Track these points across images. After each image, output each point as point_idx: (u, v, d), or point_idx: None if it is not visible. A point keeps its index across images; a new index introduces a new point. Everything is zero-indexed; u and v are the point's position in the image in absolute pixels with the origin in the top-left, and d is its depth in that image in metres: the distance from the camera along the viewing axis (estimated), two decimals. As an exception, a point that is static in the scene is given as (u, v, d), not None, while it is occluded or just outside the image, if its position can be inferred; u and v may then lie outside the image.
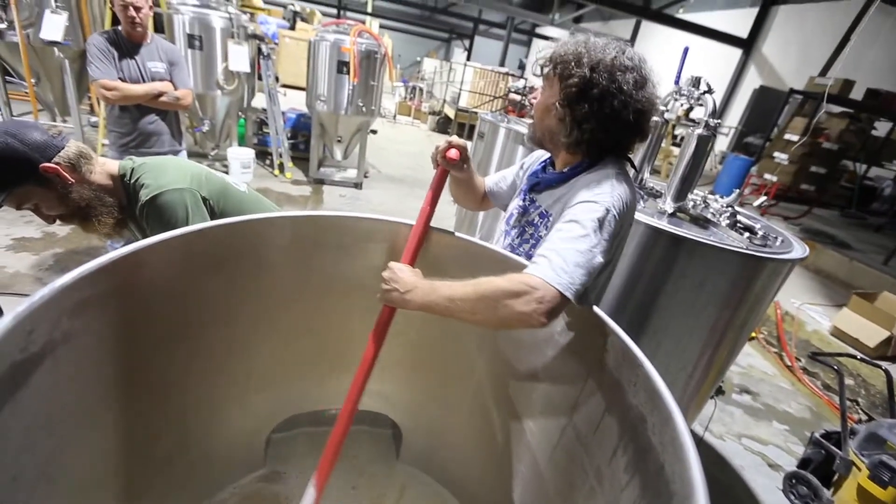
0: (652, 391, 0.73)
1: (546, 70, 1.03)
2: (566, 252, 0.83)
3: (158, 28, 3.89)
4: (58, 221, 1.17)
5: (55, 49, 4.22)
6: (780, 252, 1.62)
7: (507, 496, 1.16)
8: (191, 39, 4.07)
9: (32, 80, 4.42)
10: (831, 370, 2.33)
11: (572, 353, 0.95)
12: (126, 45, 2.32)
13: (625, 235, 1.02)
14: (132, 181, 1.22)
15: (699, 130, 1.68)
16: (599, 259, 0.86)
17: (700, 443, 2.37)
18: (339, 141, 5.21)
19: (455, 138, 1.12)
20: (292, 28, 9.30)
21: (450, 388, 1.27)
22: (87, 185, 1.14)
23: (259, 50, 4.58)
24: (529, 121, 1.15)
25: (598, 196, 0.92)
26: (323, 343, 1.27)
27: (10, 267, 2.77)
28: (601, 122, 0.96)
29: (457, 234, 1.13)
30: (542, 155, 1.25)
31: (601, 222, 0.88)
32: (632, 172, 1.10)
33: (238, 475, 1.28)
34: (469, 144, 1.40)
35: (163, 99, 2.38)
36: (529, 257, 1.09)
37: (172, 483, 1.09)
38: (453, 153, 1.09)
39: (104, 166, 1.21)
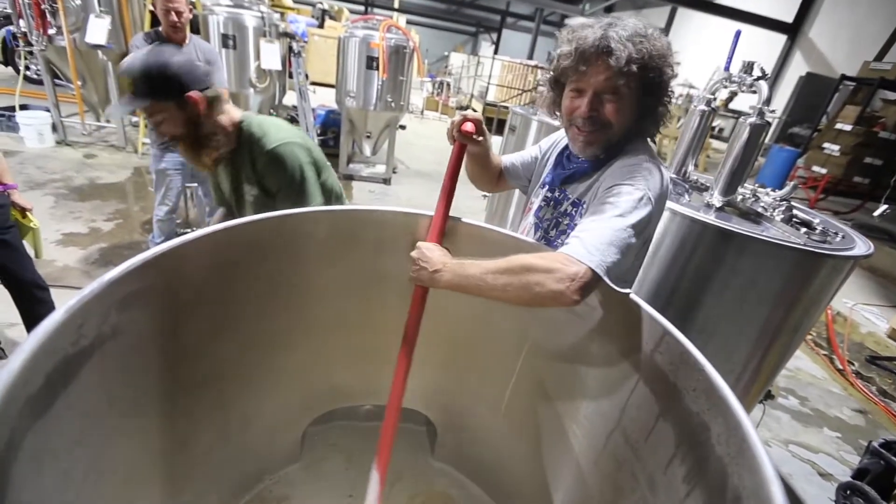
0: (716, 398, 0.68)
1: (629, 69, 0.89)
2: (599, 231, 0.83)
3: (194, 29, 4.00)
4: (169, 141, 1.29)
5: (99, 52, 4.41)
6: (842, 249, 1.50)
7: (546, 500, 1.12)
8: (225, 39, 4.16)
9: (79, 83, 4.63)
10: (889, 374, 2.17)
11: (619, 352, 0.90)
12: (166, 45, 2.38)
13: (657, 220, 0.97)
14: (250, 131, 1.33)
15: (752, 119, 1.57)
16: (633, 240, 0.85)
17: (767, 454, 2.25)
18: (368, 136, 5.24)
19: (469, 112, 1.08)
20: (321, 26, 9.41)
21: (486, 385, 1.23)
22: (212, 121, 1.27)
23: (290, 48, 4.64)
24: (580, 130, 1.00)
25: (634, 180, 0.91)
26: (360, 338, 1.26)
27: (59, 261, 2.90)
28: (658, 107, 0.96)
29: (487, 225, 1.10)
30: (558, 139, 1.20)
31: (637, 204, 0.87)
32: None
33: (276, 467, 1.29)
34: (498, 139, 1.37)
35: None
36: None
37: (212, 475, 1.10)
38: (469, 126, 1.06)
39: (229, 113, 1.32)
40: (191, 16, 2.41)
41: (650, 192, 0.90)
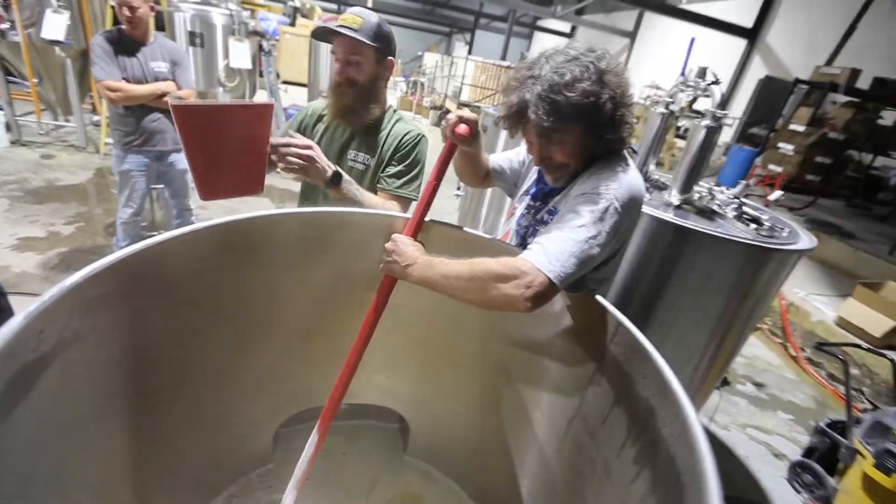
0: (662, 384, 0.73)
1: (552, 124, 0.92)
2: (561, 241, 0.85)
3: (159, 26, 3.88)
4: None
5: (56, 48, 4.22)
6: (787, 243, 1.61)
7: (514, 488, 1.17)
8: (192, 37, 4.06)
9: (34, 80, 4.42)
10: (836, 360, 2.33)
11: (580, 344, 0.95)
12: (129, 44, 2.31)
13: (632, 226, 1.02)
14: (391, 112, 1.48)
15: (706, 122, 1.67)
16: (595, 251, 0.87)
17: (705, 433, 2.37)
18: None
19: (465, 112, 1.08)
20: (292, 24, 9.25)
21: (457, 382, 1.27)
22: (383, 88, 1.42)
23: (260, 46, 4.56)
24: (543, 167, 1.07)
25: (602, 188, 0.92)
26: (331, 340, 1.27)
27: (16, 266, 2.78)
28: (614, 128, 0.96)
29: (465, 228, 1.13)
30: None
31: (602, 214, 0.89)
32: (633, 159, 1.09)
33: (247, 469, 1.30)
34: (493, 157, 1.39)
35: (166, 99, 2.39)
36: None
37: (183, 478, 1.10)
38: (462, 129, 1.05)
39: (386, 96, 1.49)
40: (152, 12, 2.35)
41: (616, 202, 0.90)
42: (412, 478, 1.38)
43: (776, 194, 2.52)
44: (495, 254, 0.87)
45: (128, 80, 2.30)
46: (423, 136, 1.46)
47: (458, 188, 4.73)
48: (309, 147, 1.20)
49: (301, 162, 1.18)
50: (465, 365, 1.24)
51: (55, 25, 3.93)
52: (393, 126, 1.44)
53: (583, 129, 0.95)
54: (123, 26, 2.30)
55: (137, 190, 2.56)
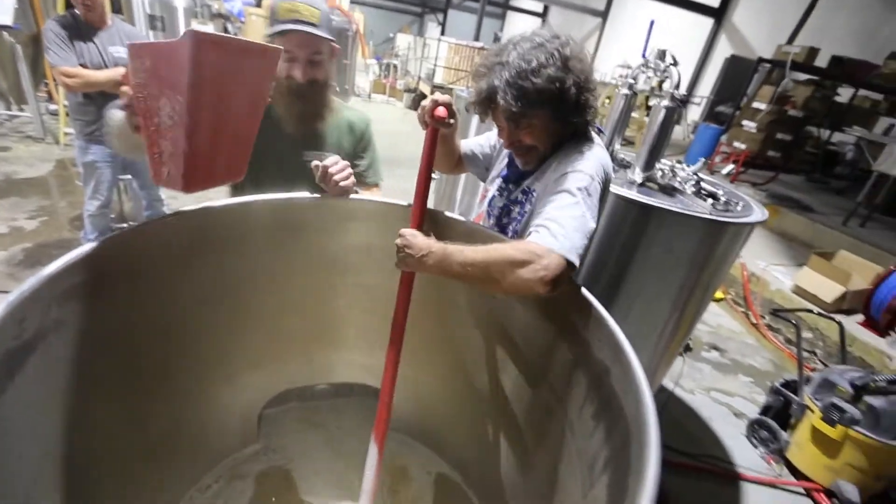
0: (615, 346, 0.80)
1: (520, 109, 0.98)
2: (563, 219, 0.89)
3: (116, 9, 3.71)
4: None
5: (4, 33, 4.00)
6: (741, 216, 1.72)
7: (490, 454, 1.25)
8: (152, 20, 3.91)
9: (-18, 67, 4.19)
10: (791, 325, 2.50)
11: (544, 317, 1.02)
12: (85, 29, 2.23)
13: (605, 199, 1.08)
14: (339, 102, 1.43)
15: (665, 102, 1.74)
16: (592, 224, 0.93)
17: (671, 397, 2.53)
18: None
19: (439, 95, 1.09)
20: (258, 5, 8.91)
21: (433, 357, 1.33)
22: (333, 68, 1.32)
23: (225, 29, 4.42)
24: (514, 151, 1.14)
25: (581, 165, 0.99)
26: (310, 321, 1.31)
27: (-22, 264, 2.70)
28: (579, 111, 1.02)
29: (447, 213, 1.16)
30: None
31: (588, 189, 0.95)
32: (599, 138, 1.15)
33: (233, 450, 1.33)
34: (465, 142, 1.41)
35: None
36: (516, 232, 1.15)
37: (169, 460, 1.13)
38: (441, 111, 1.05)
39: None
40: (108, -5, 2.27)
41: (596, 177, 0.98)
42: (396, 450, 1.44)
43: (728, 167, 2.64)
44: (485, 239, 0.91)
45: (85, 67, 2.22)
46: (369, 118, 1.47)
47: (433, 172, 4.72)
48: (347, 165, 1.20)
49: (351, 181, 1.18)
50: (441, 343, 1.30)
51: (1, 9, 3.71)
52: (346, 115, 1.41)
53: (549, 113, 1.00)
54: (77, 10, 2.21)
55: (104, 181, 2.50)
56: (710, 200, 1.80)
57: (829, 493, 2.13)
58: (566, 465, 0.89)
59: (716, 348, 3.21)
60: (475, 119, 3.06)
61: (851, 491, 2.05)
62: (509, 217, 1.19)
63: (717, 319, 3.58)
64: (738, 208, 1.81)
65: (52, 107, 5.30)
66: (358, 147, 1.42)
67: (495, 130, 1.32)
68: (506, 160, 1.26)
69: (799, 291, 3.62)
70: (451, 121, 1.07)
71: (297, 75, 1.18)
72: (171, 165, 0.77)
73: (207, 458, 1.28)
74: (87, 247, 0.80)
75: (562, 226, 0.88)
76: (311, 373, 1.41)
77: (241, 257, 1.11)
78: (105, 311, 0.85)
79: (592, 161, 1.00)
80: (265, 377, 1.34)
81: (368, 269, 1.23)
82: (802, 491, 2.18)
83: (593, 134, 1.11)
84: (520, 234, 1.14)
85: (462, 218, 1.15)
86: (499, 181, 1.25)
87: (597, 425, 0.82)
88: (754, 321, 3.56)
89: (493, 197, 1.25)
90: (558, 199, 0.94)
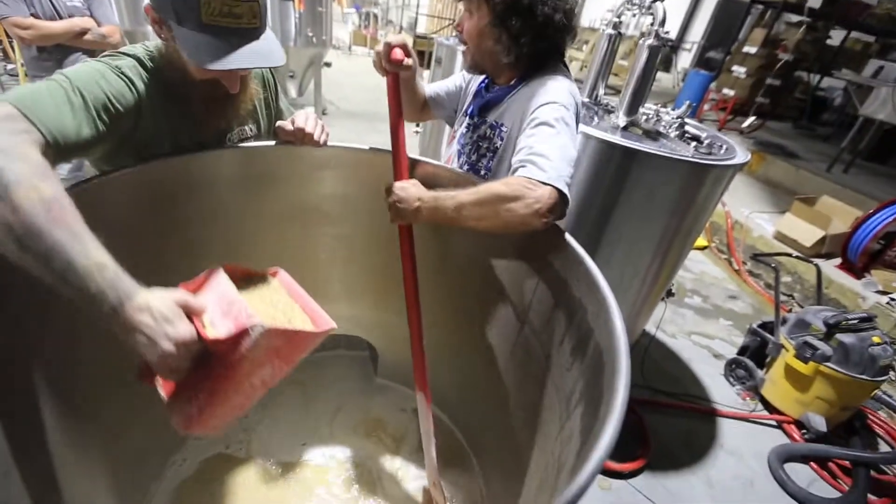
0: (591, 283, 0.81)
1: None
2: (547, 151, 0.89)
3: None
4: None
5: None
6: (724, 159, 1.70)
7: (473, 394, 1.29)
8: (104, -35, 3.59)
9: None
10: (772, 269, 2.56)
11: (524, 259, 1.02)
12: (32, -25, 2.05)
13: (578, 124, 1.06)
14: None
15: (649, 41, 1.67)
16: (574, 152, 0.92)
17: (652, 341, 2.61)
18: (291, 76, 4.90)
19: (392, 37, 1.06)
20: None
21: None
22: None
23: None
24: (461, 47, 1.12)
25: (552, 96, 0.97)
26: (298, 273, 1.29)
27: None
28: (537, 31, 0.99)
29: (431, 161, 1.13)
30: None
31: (564, 119, 0.95)
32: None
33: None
34: (427, 73, 1.36)
35: (87, 37, 2.17)
36: (489, 170, 1.13)
37: (154, 422, 1.13)
38: (398, 53, 1.01)
39: None
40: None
41: (569, 106, 0.97)
42: (384, 396, 1.49)
43: (750, 120, 2.57)
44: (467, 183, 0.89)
45: (37, 17, 2.07)
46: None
47: (417, 125, 4.61)
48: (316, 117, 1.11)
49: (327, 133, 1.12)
50: (424, 290, 1.30)
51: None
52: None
53: (490, 13, 0.98)
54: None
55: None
56: (693, 144, 1.78)
57: (799, 425, 2.27)
58: (546, 400, 0.92)
59: (698, 294, 3.29)
60: (458, 65, 2.94)
61: (819, 421, 2.18)
62: (478, 154, 1.17)
63: (700, 267, 3.66)
64: (722, 151, 1.80)
65: (10, 66, 4.97)
66: (277, 98, 1.26)
67: (461, 72, 1.28)
68: (471, 95, 1.22)
69: (780, 237, 3.68)
70: (409, 61, 1.04)
71: (230, 86, 0.94)
72: (192, 408, 0.67)
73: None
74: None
75: (547, 157, 0.88)
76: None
77: (213, 208, 1.08)
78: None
79: (563, 91, 0.99)
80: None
81: (346, 220, 1.21)
82: (774, 423, 2.31)
83: (563, 67, 1.09)
84: (493, 172, 1.13)
85: (447, 165, 1.13)
86: (466, 119, 1.22)
87: (573, 360, 0.84)
88: (736, 268, 3.64)
89: (461, 135, 1.22)
90: (538, 133, 0.93)
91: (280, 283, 0.82)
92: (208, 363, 0.64)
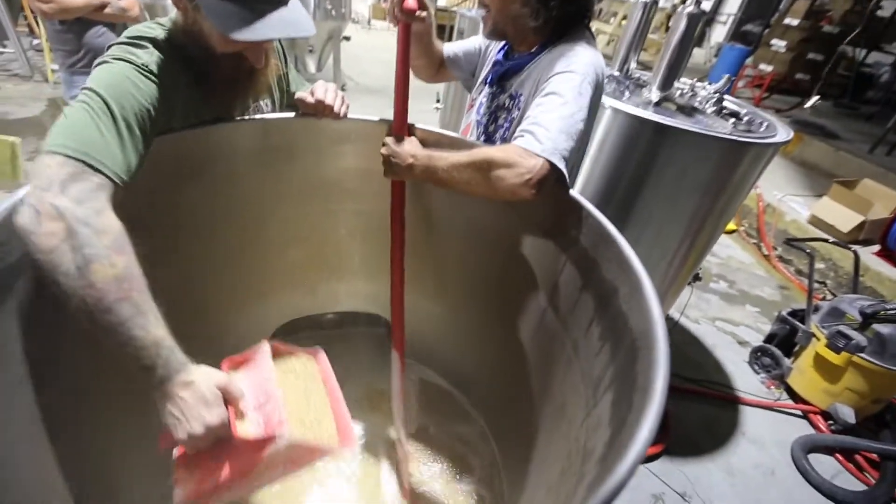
0: (624, 263, 0.76)
1: None
2: (549, 122, 0.86)
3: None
4: None
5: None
6: (764, 137, 1.60)
7: (493, 375, 1.27)
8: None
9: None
10: (804, 255, 2.45)
11: (551, 238, 0.98)
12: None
13: (597, 104, 1.01)
14: None
15: (689, 9, 1.56)
16: (580, 125, 0.88)
17: (675, 326, 2.55)
18: (310, 51, 4.82)
19: None
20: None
21: (437, 283, 1.32)
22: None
23: None
24: (482, 12, 1.06)
25: (571, 65, 0.92)
26: (311, 250, 1.28)
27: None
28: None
29: (430, 127, 1.09)
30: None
31: (578, 89, 0.90)
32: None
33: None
34: (447, 45, 1.30)
35: (107, 11, 2.15)
36: (505, 140, 1.09)
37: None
38: (410, 2, 0.96)
39: None
40: None
41: (587, 77, 0.92)
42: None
43: (814, 99, 2.40)
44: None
45: (58, -10, 2.05)
46: None
47: (437, 101, 4.52)
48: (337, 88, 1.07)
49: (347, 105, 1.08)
50: (445, 268, 1.28)
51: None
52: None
53: None
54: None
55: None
56: (731, 121, 1.67)
57: (826, 416, 2.20)
58: (571, 385, 0.89)
59: (724, 279, 3.19)
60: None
61: (848, 413, 2.11)
62: (496, 124, 1.13)
63: (727, 251, 3.53)
64: (762, 129, 1.69)
65: (36, 41, 5.05)
66: (287, 69, 1.20)
67: (481, 35, 1.22)
68: (490, 62, 1.17)
69: (815, 221, 3.52)
70: (422, 13, 1.00)
71: (254, 60, 0.90)
72: (195, 485, 0.70)
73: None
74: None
75: (547, 129, 0.85)
76: (316, 303, 1.41)
77: (233, 181, 1.06)
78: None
79: (583, 61, 0.93)
80: (271, 308, 1.34)
81: (366, 195, 1.18)
82: (800, 413, 2.25)
83: (588, 34, 1.03)
84: (507, 143, 1.09)
85: (446, 131, 1.08)
86: (486, 88, 1.17)
87: (603, 345, 0.80)
88: (766, 252, 3.51)
89: (481, 105, 1.17)
90: (546, 102, 0.89)
91: (318, 370, 0.86)
92: (227, 444, 0.68)
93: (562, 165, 0.84)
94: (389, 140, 0.98)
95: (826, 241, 2.60)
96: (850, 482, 1.97)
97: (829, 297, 3.16)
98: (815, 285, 3.14)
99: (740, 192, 1.73)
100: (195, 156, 0.97)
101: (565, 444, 0.85)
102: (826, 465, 2.02)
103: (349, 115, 1.12)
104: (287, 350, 0.85)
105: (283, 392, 0.73)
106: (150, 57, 0.84)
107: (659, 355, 0.57)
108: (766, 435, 2.12)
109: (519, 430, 1.12)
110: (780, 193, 3.91)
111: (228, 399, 0.67)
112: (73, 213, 0.61)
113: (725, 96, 1.83)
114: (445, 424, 1.36)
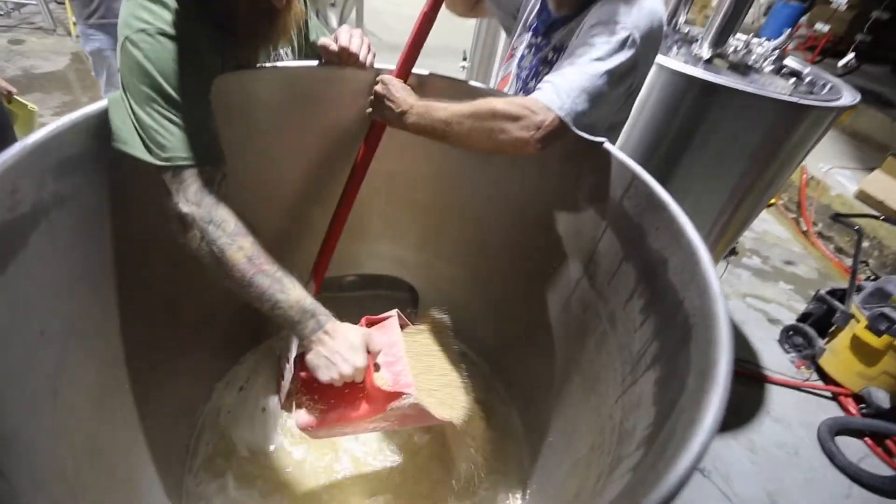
0: (676, 232, 0.69)
1: None
2: (573, 75, 0.78)
3: None
4: None
5: None
6: (827, 100, 1.45)
7: (520, 346, 1.23)
8: None
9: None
10: (848, 232, 2.30)
11: (591, 202, 0.90)
12: None
13: (650, 63, 0.90)
14: None
15: (754, -51, 1.39)
16: (608, 87, 0.80)
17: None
18: (332, 5, 4.64)
19: None
20: None
21: (459, 248, 1.26)
22: None
23: None
24: None
25: (620, 17, 0.81)
26: (331, 210, 1.23)
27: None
28: None
29: (434, 72, 1.00)
30: None
31: (620, 45, 0.80)
32: None
33: (262, 336, 1.37)
34: None
35: None
36: None
37: (202, 346, 1.15)
38: None
39: None
40: None
41: (636, 32, 0.81)
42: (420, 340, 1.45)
43: (847, 58, 2.18)
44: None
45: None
46: None
47: (464, 59, 4.32)
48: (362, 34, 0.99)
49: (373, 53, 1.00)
50: (470, 232, 1.22)
51: None
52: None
53: None
54: None
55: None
56: (792, 80, 1.52)
57: (858, 399, 2.12)
58: (604, 359, 0.84)
59: (758, 255, 3.05)
60: None
61: (882, 397, 2.02)
62: (537, 80, 1.02)
63: (763, 225, 3.36)
64: (825, 91, 1.53)
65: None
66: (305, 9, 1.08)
67: None
68: (536, 7, 1.05)
69: (863, 197, 3.30)
70: None
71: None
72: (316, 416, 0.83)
73: (241, 344, 1.32)
74: (74, 115, 0.71)
75: (569, 83, 0.77)
76: (335, 264, 1.37)
77: (248, 135, 1.00)
78: (110, 188, 0.78)
79: (638, 12, 0.81)
80: (289, 268, 1.31)
81: (391, 153, 1.11)
82: (829, 395, 2.17)
83: None
84: None
85: (455, 77, 1.00)
86: (528, 36, 1.06)
87: (645, 319, 0.74)
88: (804, 228, 3.32)
89: (522, 56, 1.07)
90: (579, 54, 0.80)
91: (437, 345, 0.95)
92: (358, 388, 0.79)
93: (573, 126, 0.78)
94: (389, 79, 0.91)
95: (876, 217, 2.43)
96: (877, 466, 1.92)
97: (871, 277, 2.99)
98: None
99: (792, 161, 1.59)
100: (217, 105, 0.91)
101: (596, 419, 0.81)
102: (853, 449, 1.96)
103: (375, 65, 1.04)
104: (407, 323, 0.96)
105: (409, 356, 0.83)
106: (165, 14, 0.75)
107: (720, 335, 0.51)
108: (792, 415, 2.06)
109: (542, 399, 1.09)
110: (826, 166, 3.66)
111: (370, 349, 0.77)
112: (197, 215, 0.71)
113: (787, 53, 1.65)
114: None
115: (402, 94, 0.88)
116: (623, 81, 0.83)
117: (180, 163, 0.72)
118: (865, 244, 3.19)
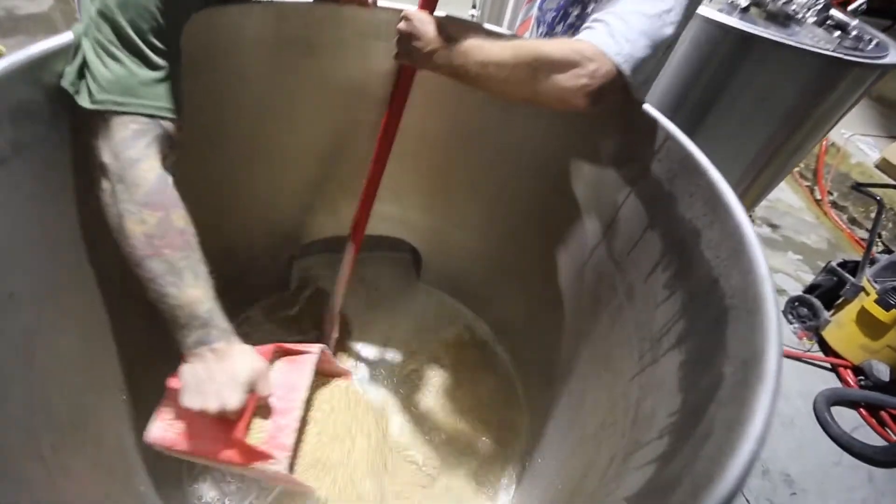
0: (715, 201, 0.62)
1: None
2: (631, 16, 0.65)
3: None
4: None
5: None
6: (873, 56, 1.33)
7: (526, 312, 1.18)
8: None
9: None
10: (863, 203, 2.21)
11: (614, 163, 0.82)
12: None
13: (695, 7, 0.78)
14: None
15: None
16: (669, 30, 0.67)
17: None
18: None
19: None
20: None
21: (467, 209, 1.19)
22: None
23: None
24: None
25: None
26: (333, 166, 1.15)
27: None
28: None
29: (488, 25, 0.89)
30: None
31: None
32: None
33: (264, 294, 1.32)
34: None
35: None
36: None
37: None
38: None
39: None
40: None
41: None
42: (425, 301, 1.41)
43: (857, 3, 2.02)
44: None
45: None
46: None
47: (473, 6, 4.04)
48: None
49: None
50: (475, 193, 1.14)
51: None
52: None
53: None
54: None
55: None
56: (836, 34, 1.38)
57: (857, 371, 2.11)
58: (619, 335, 0.79)
59: (768, 223, 2.97)
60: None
61: (883, 370, 2.02)
62: (565, 23, 0.90)
63: (775, 193, 3.24)
64: (871, 47, 1.40)
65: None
66: None
67: None
68: None
69: (884, 166, 3.17)
70: None
71: None
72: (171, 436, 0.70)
73: (240, 300, 1.27)
74: (32, 52, 0.61)
75: (626, 23, 0.64)
76: (337, 224, 1.30)
77: (239, 81, 0.90)
78: (78, 140, 0.70)
79: None
80: (288, 227, 1.25)
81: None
82: (829, 366, 2.17)
83: None
84: None
85: (486, 24, 0.88)
86: None
87: (670, 295, 0.68)
88: (819, 197, 3.22)
89: None
90: None
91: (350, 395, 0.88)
92: (225, 425, 0.64)
93: (632, 77, 0.65)
94: (413, 13, 0.76)
95: (897, 187, 2.33)
96: (869, 437, 1.94)
97: (882, 250, 2.93)
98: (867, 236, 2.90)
99: (826, 122, 1.49)
100: (196, 46, 0.80)
101: (608, 397, 0.77)
102: (847, 419, 1.98)
103: (379, 4, 0.92)
104: (336, 371, 0.86)
105: (302, 412, 0.71)
106: None
107: (768, 322, 0.45)
108: (790, 385, 2.06)
109: (549, 371, 1.05)
110: (848, 132, 3.50)
111: (255, 391, 0.65)
112: (112, 168, 0.60)
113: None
114: (465, 352, 1.31)
115: (430, 30, 0.73)
116: (682, 25, 0.71)
117: (110, 107, 0.61)
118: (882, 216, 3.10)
